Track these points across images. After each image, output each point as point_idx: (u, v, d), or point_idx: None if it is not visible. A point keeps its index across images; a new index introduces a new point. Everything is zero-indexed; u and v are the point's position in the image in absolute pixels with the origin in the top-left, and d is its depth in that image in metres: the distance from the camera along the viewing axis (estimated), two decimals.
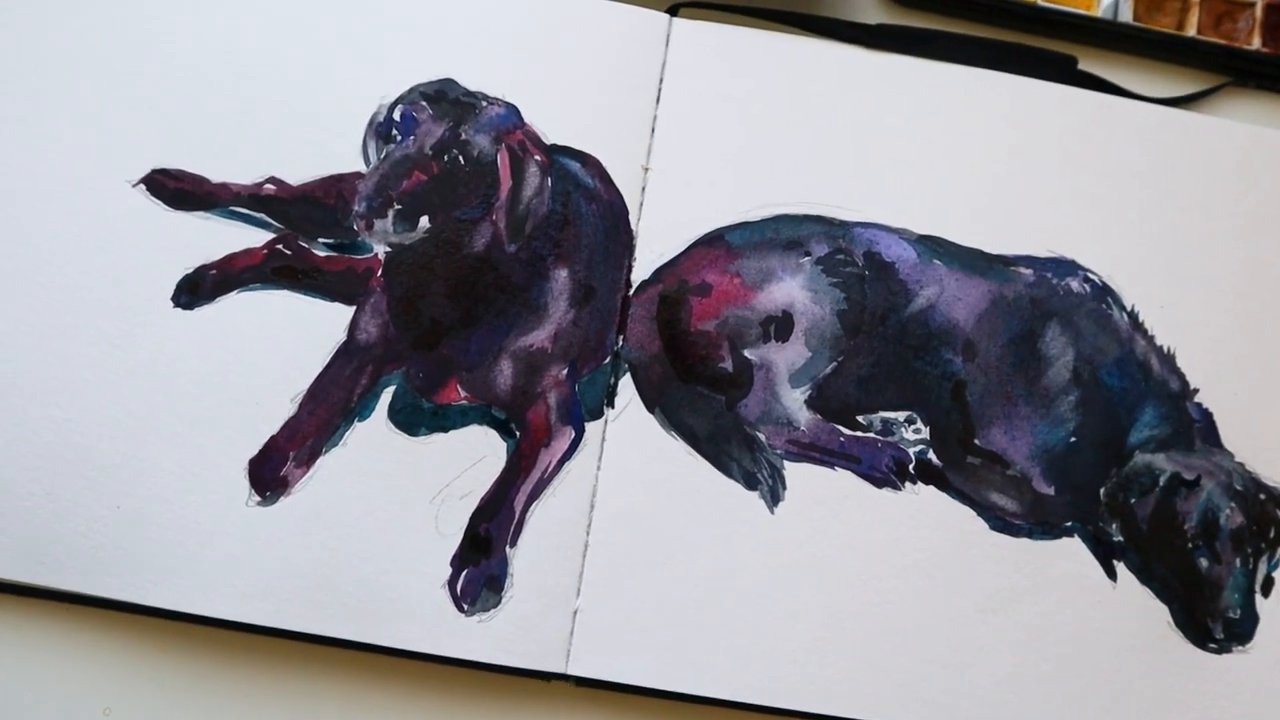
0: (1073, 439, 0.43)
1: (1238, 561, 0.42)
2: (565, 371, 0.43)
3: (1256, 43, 0.49)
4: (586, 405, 0.43)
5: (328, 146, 0.44)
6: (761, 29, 0.46)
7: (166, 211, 0.44)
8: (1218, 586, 0.42)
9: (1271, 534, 0.43)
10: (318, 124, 0.44)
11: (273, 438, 0.41)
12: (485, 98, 0.45)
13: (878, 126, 0.46)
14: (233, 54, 0.45)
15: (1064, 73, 0.48)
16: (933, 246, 0.45)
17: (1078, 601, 0.42)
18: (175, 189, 0.44)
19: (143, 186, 0.44)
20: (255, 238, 0.44)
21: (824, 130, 0.46)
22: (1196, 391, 0.45)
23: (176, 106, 0.44)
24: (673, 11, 0.47)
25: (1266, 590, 0.43)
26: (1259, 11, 0.49)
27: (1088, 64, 0.49)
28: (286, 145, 0.44)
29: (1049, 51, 0.48)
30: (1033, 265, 0.45)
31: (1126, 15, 0.49)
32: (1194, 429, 0.44)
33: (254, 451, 0.41)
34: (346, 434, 0.42)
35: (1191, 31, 0.49)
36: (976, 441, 0.43)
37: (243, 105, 0.44)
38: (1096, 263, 0.46)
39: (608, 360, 0.43)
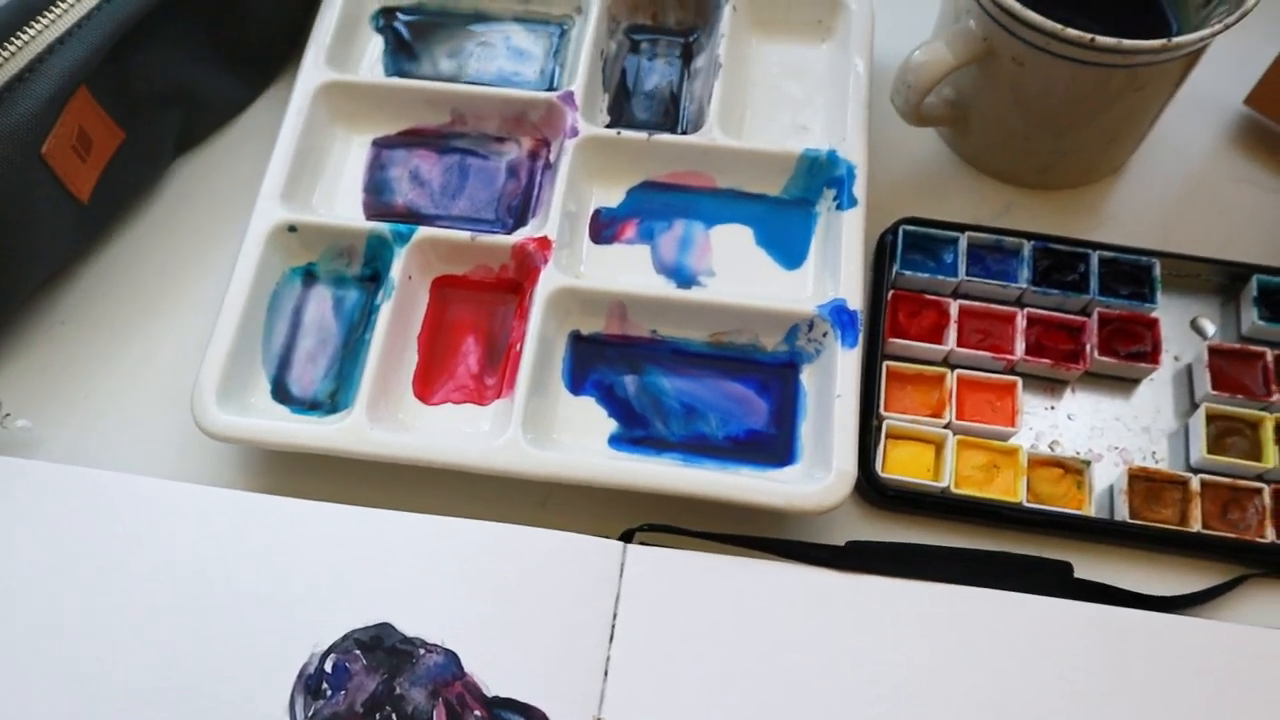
0: None
1: None
2: None
3: (1271, 534, 0.44)
4: None
5: (252, 705, 0.41)
6: (722, 553, 0.43)
7: None
8: None
9: None
10: (243, 680, 0.41)
11: None
12: (424, 644, 0.41)
13: (853, 658, 0.42)
14: (152, 606, 0.42)
15: (1059, 582, 0.44)
16: None
17: None
18: None
19: None
20: None
21: (792, 665, 0.41)
22: None
23: (88, 671, 0.41)
24: (626, 538, 0.44)
25: None
26: (1267, 498, 0.45)
27: (1087, 565, 0.45)
28: (207, 708, 0.41)
29: (1040, 559, 0.44)
30: None
31: (1123, 512, 0.45)
32: None
33: None
34: None
35: (1195, 526, 0.45)
36: None
37: (160, 663, 0.41)
38: None
39: None
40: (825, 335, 0.46)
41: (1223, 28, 0.44)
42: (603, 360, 0.47)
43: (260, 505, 0.44)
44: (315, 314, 0.49)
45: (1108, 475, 0.47)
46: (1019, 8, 0.44)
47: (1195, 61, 0.47)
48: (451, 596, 0.42)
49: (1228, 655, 0.42)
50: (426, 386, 0.47)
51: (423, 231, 0.48)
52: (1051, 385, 0.49)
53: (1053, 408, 0.48)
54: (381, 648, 0.41)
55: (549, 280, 0.47)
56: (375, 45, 0.55)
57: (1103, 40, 0.43)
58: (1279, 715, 0.41)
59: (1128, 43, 0.43)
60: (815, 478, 0.43)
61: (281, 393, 0.47)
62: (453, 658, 0.41)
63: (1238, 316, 0.50)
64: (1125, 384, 0.49)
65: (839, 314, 0.45)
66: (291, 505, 0.44)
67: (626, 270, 0.49)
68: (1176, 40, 0.43)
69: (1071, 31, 0.43)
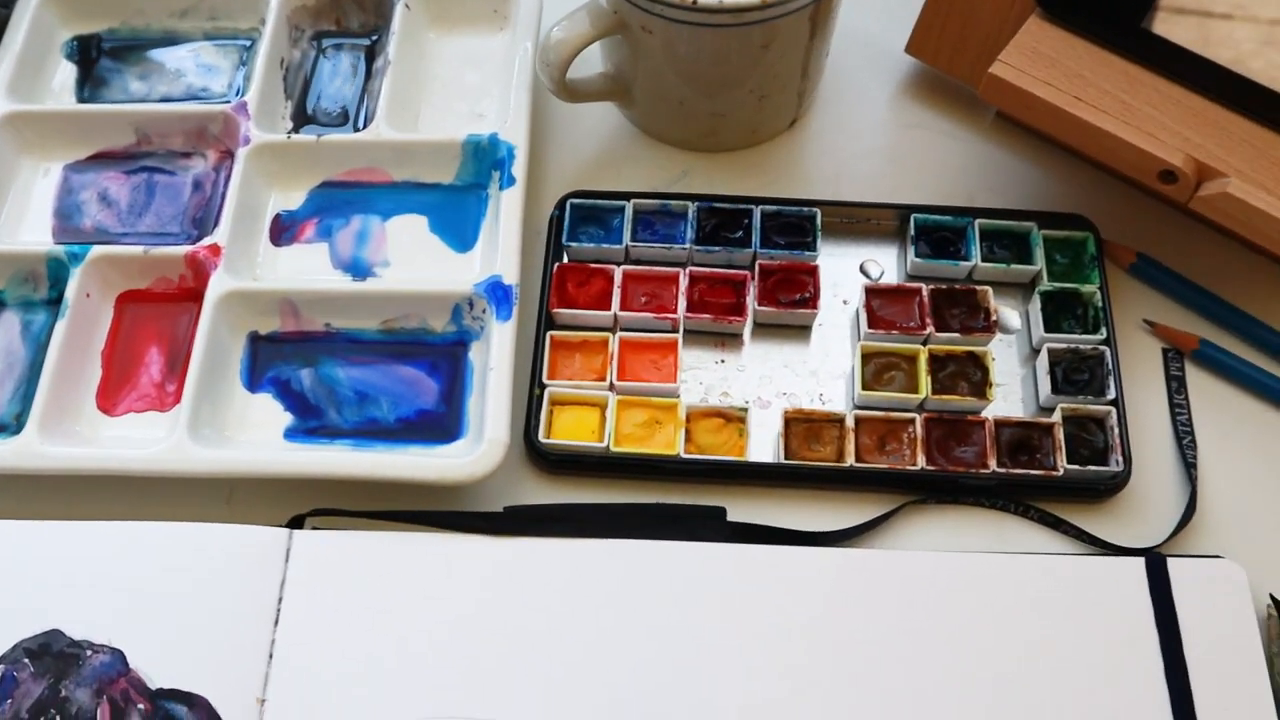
0: None
1: None
2: None
3: (921, 461, 0.46)
4: None
5: None
6: (388, 530, 0.45)
7: None
8: None
9: None
10: None
11: None
12: (91, 646, 0.43)
13: (515, 620, 0.43)
14: None
15: (716, 527, 0.45)
16: None
17: None
18: None
19: None
20: None
21: (456, 631, 0.43)
22: None
23: None
24: (295, 524, 0.45)
25: None
26: (919, 428, 0.47)
27: (754, 509, 0.46)
28: None
29: (691, 506, 0.46)
30: None
31: (782, 454, 0.47)
32: None
33: None
34: None
35: (849, 460, 0.46)
36: None
37: None
38: None
39: None
40: (485, 312, 0.47)
41: None
42: (280, 357, 0.49)
43: None
44: (3, 340, 0.50)
45: (776, 421, 0.48)
46: None
47: (824, 14, 0.49)
48: (120, 598, 0.44)
49: (882, 580, 0.44)
50: (109, 399, 0.48)
51: (97, 250, 0.49)
52: (724, 340, 0.51)
53: (723, 361, 0.50)
54: (50, 654, 0.43)
55: (218, 285, 0.48)
56: (66, 72, 0.56)
57: (703, 2, 0.45)
58: (936, 633, 0.43)
59: (728, 1, 0.45)
60: (475, 450, 0.45)
61: None
62: (119, 656, 0.43)
63: (906, 258, 0.52)
64: (799, 332, 0.51)
65: (494, 290, 0.47)
66: None
67: (305, 270, 0.50)
68: None
69: None
